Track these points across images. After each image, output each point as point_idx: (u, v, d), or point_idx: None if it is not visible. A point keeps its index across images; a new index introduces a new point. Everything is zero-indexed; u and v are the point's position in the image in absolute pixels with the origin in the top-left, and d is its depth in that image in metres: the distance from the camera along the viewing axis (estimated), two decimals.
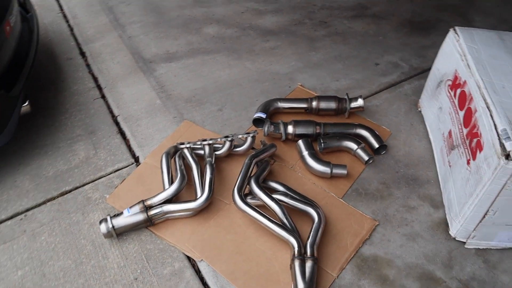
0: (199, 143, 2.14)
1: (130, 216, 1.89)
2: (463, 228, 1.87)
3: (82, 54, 2.95)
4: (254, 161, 2.05)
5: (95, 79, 2.75)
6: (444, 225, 1.99)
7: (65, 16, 3.34)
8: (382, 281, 1.79)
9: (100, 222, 1.88)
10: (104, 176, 2.19)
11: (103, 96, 2.63)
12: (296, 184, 2.10)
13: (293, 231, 1.82)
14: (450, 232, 1.95)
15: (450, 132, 2.09)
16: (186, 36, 3.11)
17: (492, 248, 1.91)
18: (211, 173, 2.00)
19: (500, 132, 1.64)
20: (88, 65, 2.85)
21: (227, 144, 2.15)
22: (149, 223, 1.92)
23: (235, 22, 3.27)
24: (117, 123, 2.47)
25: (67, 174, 2.20)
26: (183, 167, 2.06)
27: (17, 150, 2.30)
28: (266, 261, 1.84)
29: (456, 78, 2.07)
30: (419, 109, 2.54)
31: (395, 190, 2.13)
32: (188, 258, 1.87)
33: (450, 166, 2.04)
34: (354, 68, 2.87)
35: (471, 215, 1.80)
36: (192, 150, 2.14)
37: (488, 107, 1.75)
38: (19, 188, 2.14)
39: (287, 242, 1.82)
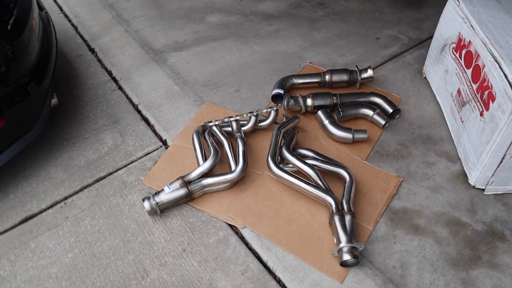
0: (226, 119, 2.24)
1: (172, 192, 1.98)
2: (482, 175, 2.02)
3: (91, 50, 3.01)
4: (282, 131, 2.16)
5: (109, 73, 2.81)
6: (462, 176, 2.14)
7: (66, 16, 3.38)
8: (414, 230, 1.93)
9: (143, 200, 1.96)
10: (136, 161, 2.27)
11: (120, 88, 2.70)
12: (321, 151, 2.21)
13: (328, 191, 1.94)
14: (469, 181, 2.10)
15: (459, 91, 2.24)
16: (191, 25, 3.20)
17: (509, 192, 2.07)
18: (244, 146, 2.11)
19: (511, 80, 1.79)
20: (99, 60, 2.91)
21: (253, 119, 2.25)
22: (189, 198, 2.01)
23: (236, 10, 3.37)
24: (139, 111, 2.55)
25: (99, 161, 2.27)
26: (214, 143, 2.15)
27: (45, 145, 2.35)
28: (305, 222, 1.95)
29: (460, 40, 2.23)
30: (423, 75, 2.70)
31: (413, 149, 2.28)
32: (231, 226, 1.97)
33: (462, 121, 2.20)
34: (356, 43, 3.01)
35: (489, 161, 1.95)
36: (220, 127, 2.24)
37: (496, 61, 1.90)
38: (54, 178, 2.20)
39: (323, 202, 1.94)
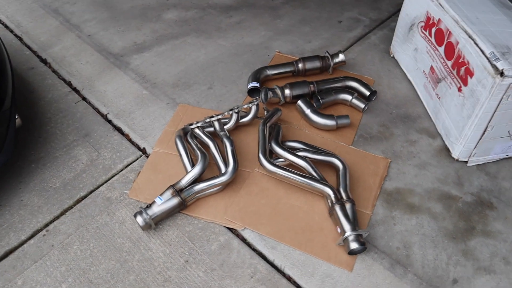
0: (207, 120, 2.16)
1: (164, 203, 1.88)
2: (465, 148, 2.09)
3: (44, 61, 2.77)
4: (267, 126, 2.11)
5: (69, 83, 2.61)
6: (445, 150, 2.21)
7: (7, 27, 3.08)
8: (410, 209, 1.98)
9: (135, 216, 1.85)
10: (117, 174, 2.14)
11: (84, 98, 2.51)
12: (307, 141, 2.19)
13: (324, 181, 1.93)
14: (453, 155, 2.17)
15: (431, 68, 2.30)
16: (148, 25, 3.04)
17: (489, 161, 2.17)
18: (231, 145, 2.04)
19: (488, 56, 1.85)
20: (55, 71, 2.69)
21: (234, 116, 2.19)
22: (183, 206, 1.92)
23: (192, 4, 3.24)
24: (109, 121, 2.39)
25: (76, 180, 2.11)
26: (200, 146, 2.07)
27: (11, 169, 2.15)
28: (304, 215, 1.93)
29: (428, 18, 2.28)
30: (391, 55, 2.74)
31: (394, 129, 2.32)
32: (231, 230, 1.92)
33: (439, 98, 2.26)
34: (320, 28, 3.00)
35: (472, 134, 2.02)
36: (202, 128, 2.15)
37: (470, 37, 1.96)
38: (29, 206, 2.01)
39: (320, 193, 1.93)
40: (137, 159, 2.20)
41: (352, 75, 2.58)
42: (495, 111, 1.90)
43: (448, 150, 2.20)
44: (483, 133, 2.00)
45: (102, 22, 3.07)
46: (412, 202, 2.00)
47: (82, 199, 2.05)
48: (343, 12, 3.15)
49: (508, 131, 2.03)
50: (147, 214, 1.85)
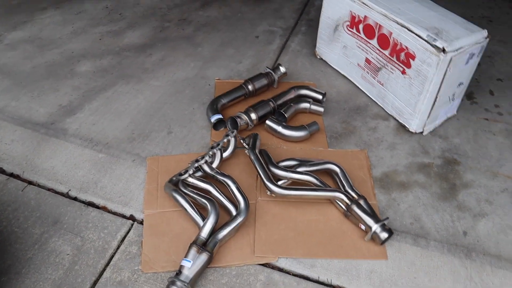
0: (196, 165, 2.05)
1: (194, 263, 1.74)
2: (420, 121, 2.38)
3: None
4: (257, 152, 2.10)
5: (1, 171, 2.20)
6: (401, 128, 2.48)
7: None
8: (403, 186, 2.18)
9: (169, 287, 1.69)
10: (116, 252, 1.89)
11: (30, 182, 2.15)
12: (288, 155, 2.24)
13: (333, 188, 2.01)
14: (410, 130, 2.44)
15: (367, 60, 2.54)
16: (65, 82, 2.71)
17: (437, 126, 2.51)
18: (233, 182, 1.99)
19: (426, 38, 2.13)
20: None
21: (218, 154, 2.12)
22: (211, 259, 1.81)
23: (101, 51, 2.98)
24: (75, 199, 2.09)
25: (70, 276, 1.81)
26: (201, 193, 1.96)
27: None
28: (324, 226, 1.99)
29: (353, 17, 2.51)
30: (318, 57, 2.94)
31: (354, 122, 2.51)
32: (264, 265, 1.87)
33: (382, 84, 2.51)
34: (243, 47, 3.06)
35: (425, 108, 2.31)
36: (193, 175, 2.04)
37: (403, 26, 2.23)
38: None
39: (331, 199, 2.01)
40: (130, 229, 1.98)
41: (295, 83, 2.70)
42: (441, 83, 2.21)
43: (404, 126, 2.47)
44: (433, 104, 2.30)
45: (8, 92, 2.65)
46: (401, 181, 2.21)
47: None
48: (254, 27, 3.26)
49: (448, 96, 2.37)
50: (181, 280, 1.69)
